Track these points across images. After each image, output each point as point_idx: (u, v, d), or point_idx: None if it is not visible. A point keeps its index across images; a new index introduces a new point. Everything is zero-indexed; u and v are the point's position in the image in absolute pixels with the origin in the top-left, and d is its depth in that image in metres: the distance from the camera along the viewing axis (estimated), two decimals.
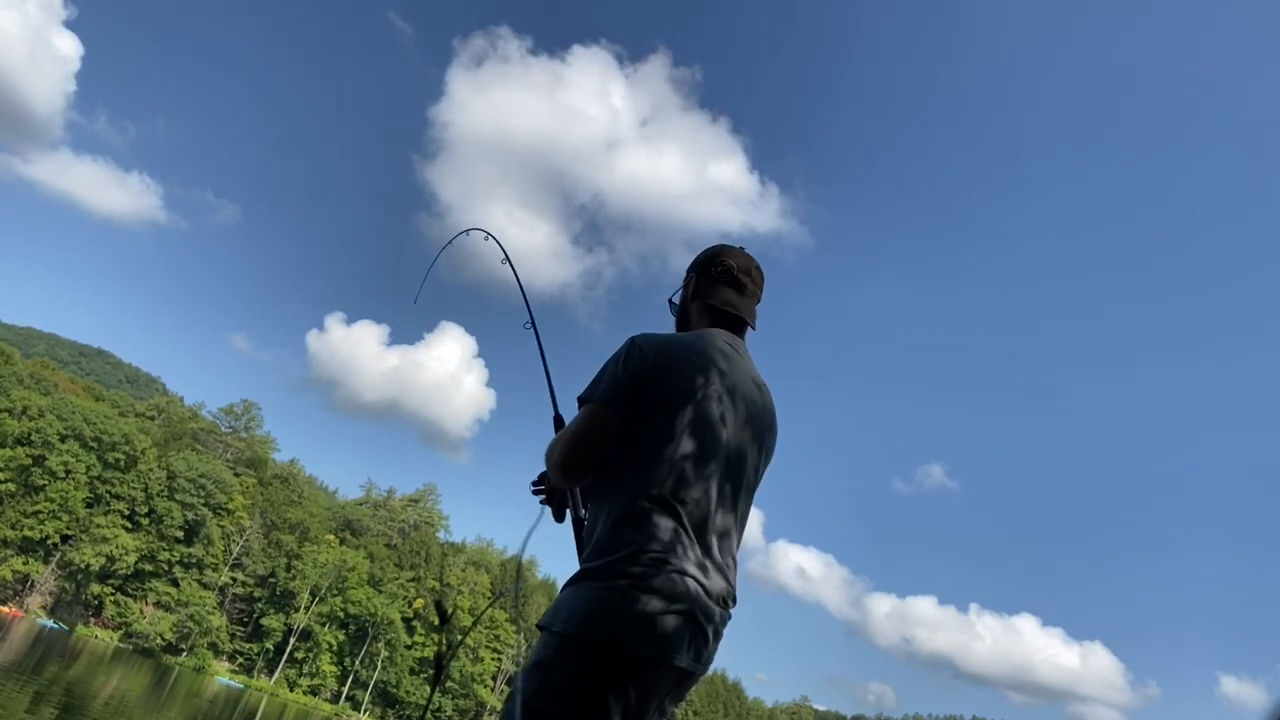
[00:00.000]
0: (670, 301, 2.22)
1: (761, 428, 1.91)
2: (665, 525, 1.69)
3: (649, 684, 1.62)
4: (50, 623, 60.27)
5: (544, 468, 2.08)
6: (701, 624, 1.67)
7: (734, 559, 1.82)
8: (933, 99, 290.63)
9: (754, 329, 2.06)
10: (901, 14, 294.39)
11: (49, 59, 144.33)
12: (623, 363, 1.82)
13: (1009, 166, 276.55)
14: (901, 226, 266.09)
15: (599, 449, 1.79)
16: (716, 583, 1.73)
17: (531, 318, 2.77)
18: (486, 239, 3.30)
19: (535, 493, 2.11)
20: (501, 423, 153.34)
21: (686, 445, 1.77)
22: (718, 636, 1.74)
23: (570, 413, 2.23)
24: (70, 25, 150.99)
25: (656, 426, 1.77)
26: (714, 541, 1.76)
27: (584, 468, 1.81)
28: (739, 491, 1.84)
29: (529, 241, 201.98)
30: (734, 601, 1.80)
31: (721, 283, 2.05)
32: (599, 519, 1.78)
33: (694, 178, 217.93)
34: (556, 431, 2.28)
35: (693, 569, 1.68)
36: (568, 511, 2.06)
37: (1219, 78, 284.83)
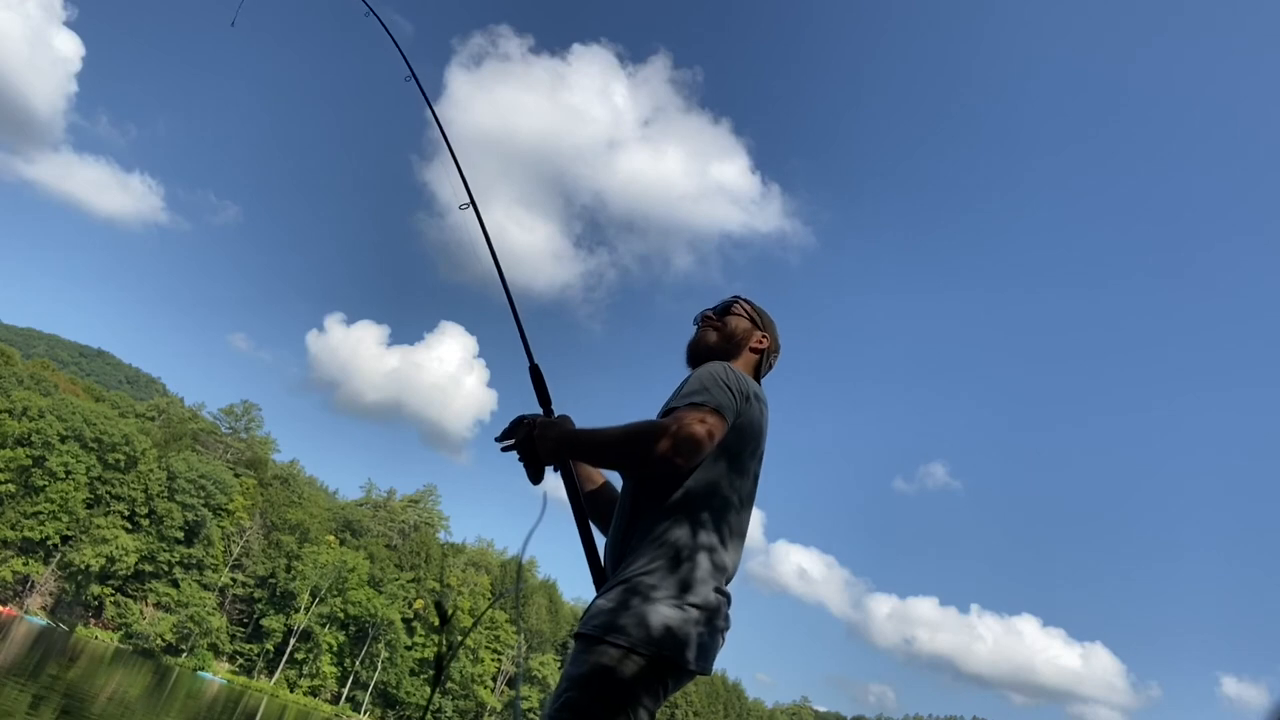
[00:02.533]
0: (707, 314, 2.26)
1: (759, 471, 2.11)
2: (718, 545, 1.85)
3: (677, 686, 1.78)
4: (40, 620, 60.22)
5: (523, 417, 2.06)
6: (724, 635, 1.85)
7: None
8: (936, 99, 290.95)
9: None
10: (903, 14, 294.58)
11: (50, 59, 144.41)
12: (734, 387, 1.90)
13: (1013, 165, 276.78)
14: (905, 226, 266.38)
15: (703, 459, 1.85)
16: (730, 595, 1.89)
17: (469, 192, 2.53)
18: (367, 15, 3.14)
19: (505, 448, 2.04)
20: (503, 424, 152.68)
21: (744, 471, 1.93)
22: None
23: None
24: (70, 25, 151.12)
25: (732, 460, 1.90)
26: (737, 554, 1.93)
27: (688, 467, 1.82)
28: (750, 509, 2.03)
29: (529, 242, 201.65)
30: None
31: (769, 365, 2.25)
32: (659, 525, 1.83)
33: (696, 178, 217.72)
34: (535, 382, 2.21)
35: (728, 591, 1.86)
36: (547, 474, 2.01)
37: (1230, 84, 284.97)
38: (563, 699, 1.67)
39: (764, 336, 2.21)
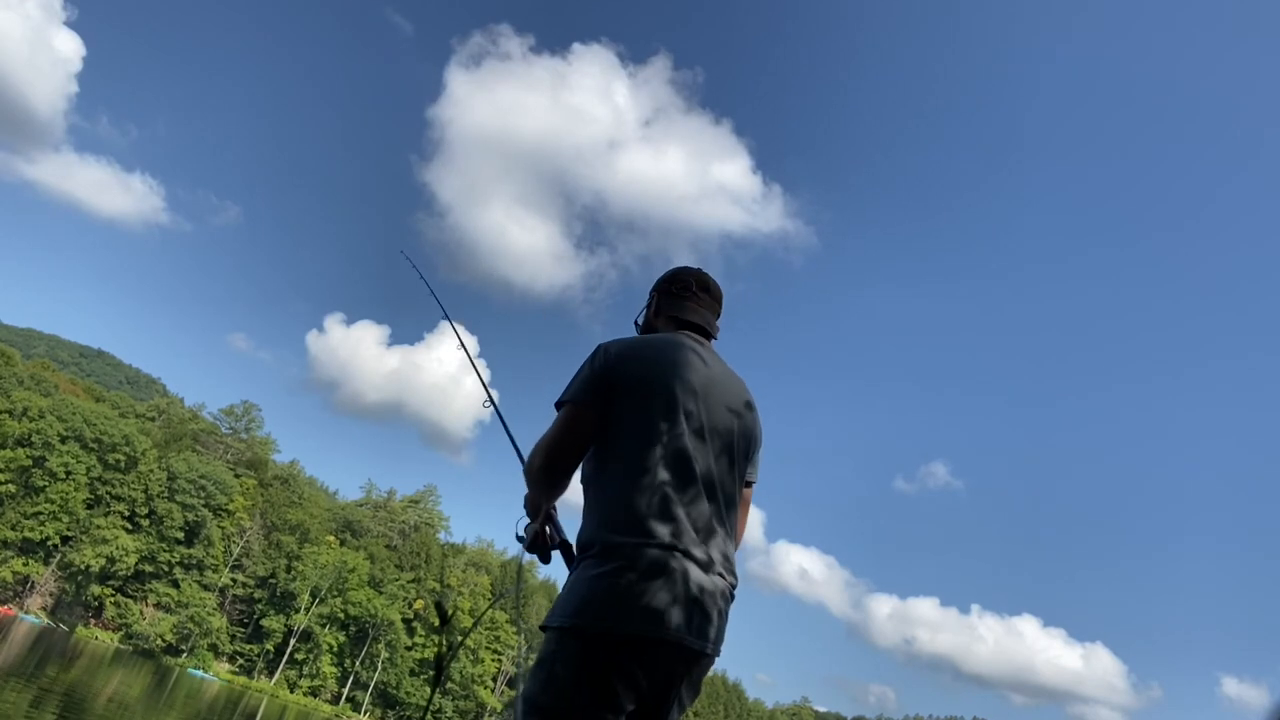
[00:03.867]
0: (636, 323, 2.31)
1: (736, 414, 1.99)
2: (648, 510, 1.76)
3: (656, 666, 1.67)
4: (40, 620, 60.21)
5: (523, 514, 2.13)
6: (695, 598, 1.72)
7: (725, 536, 1.87)
8: (936, 98, 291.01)
9: (715, 338, 2.20)
10: (902, 13, 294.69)
11: (50, 60, 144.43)
12: (589, 364, 1.94)
13: (1018, 163, 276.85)
14: (906, 224, 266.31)
15: (579, 448, 1.90)
16: (703, 558, 1.77)
17: (491, 398, 2.68)
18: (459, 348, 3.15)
19: (520, 540, 2.15)
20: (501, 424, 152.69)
21: (661, 434, 1.85)
22: (719, 612, 1.78)
23: None
24: (71, 25, 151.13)
25: (629, 420, 1.86)
26: (699, 522, 1.81)
27: (566, 468, 1.93)
28: (721, 475, 1.90)
29: (529, 242, 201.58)
30: (732, 576, 1.85)
31: (682, 297, 2.20)
32: (586, 512, 1.87)
33: (697, 179, 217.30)
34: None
35: (673, 542, 1.74)
36: (553, 553, 2.11)
37: (1221, 76, 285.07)
38: (520, 690, 1.72)
39: (654, 298, 2.23)
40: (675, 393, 1.90)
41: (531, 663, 1.75)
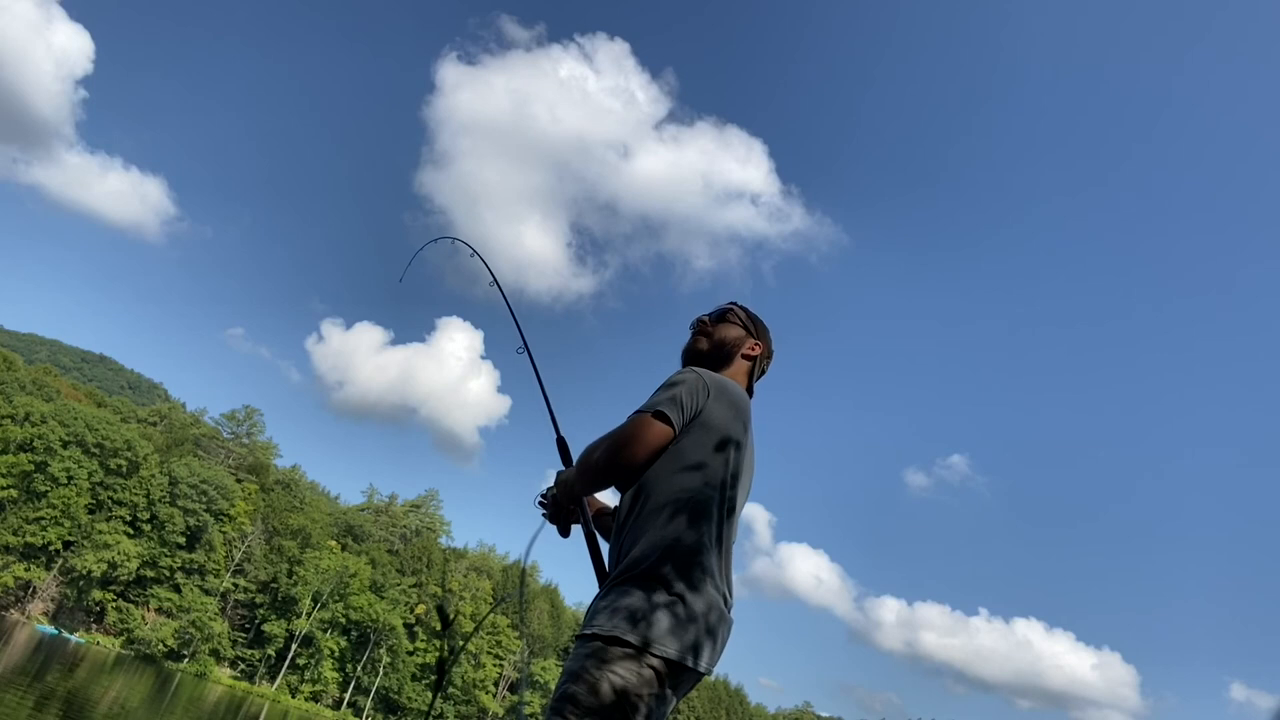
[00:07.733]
0: (702, 320, 2.31)
1: (752, 469, 2.15)
2: (703, 541, 1.87)
3: (681, 687, 1.78)
4: (43, 626, 60.22)
5: (548, 485, 2.21)
6: (724, 634, 1.87)
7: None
8: (955, 97, 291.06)
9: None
10: (921, 17, 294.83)
11: (55, 64, 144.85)
12: (686, 389, 1.97)
13: (1045, 157, 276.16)
14: (928, 222, 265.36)
15: (648, 457, 1.93)
16: (729, 595, 1.92)
17: (524, 341, 2.71)
18: (472, 256, 3.22)
19: (540, 505, 2.22)
20: (510, 429, 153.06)
21: (718, 473, 1.95)
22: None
23: (571, 434, 2.39)
24: (78, 30, 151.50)
25: (700, 452, 1.94)
26: (727, 556, 1.96)
27: (629, 475, 1.95)
28: (737, 516, 2.05)
29: (538, 248, 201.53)
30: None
31: (759, 360, 2.28)
32: (643, 528, 1.90)
33: (712, 181, 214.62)
34: (560, 453, 2.36)
35: (721, 582, 1.89)
36: (573, 527, 2.19)
37: (1232, 76, 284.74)
38: (560, 690, 1.72)
39: (756, 344, 2.26)
40: (737, 447, 1.99)
41: (574, 663, 1.74)
